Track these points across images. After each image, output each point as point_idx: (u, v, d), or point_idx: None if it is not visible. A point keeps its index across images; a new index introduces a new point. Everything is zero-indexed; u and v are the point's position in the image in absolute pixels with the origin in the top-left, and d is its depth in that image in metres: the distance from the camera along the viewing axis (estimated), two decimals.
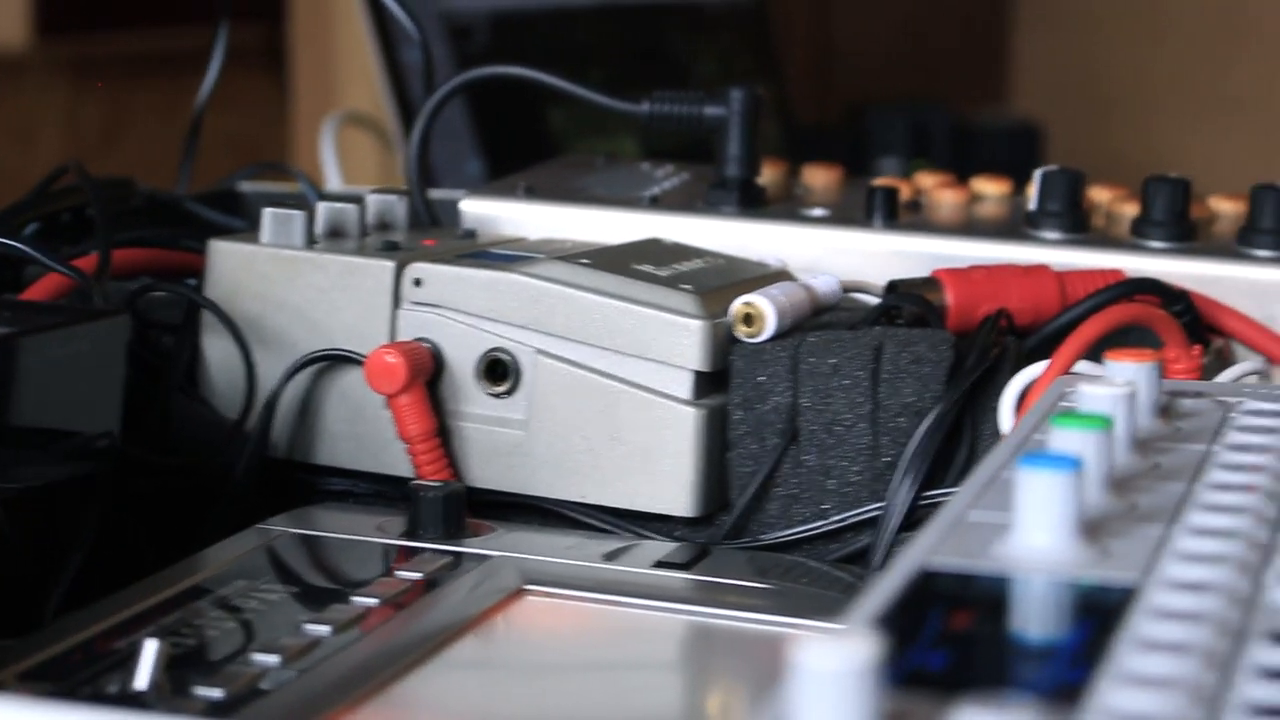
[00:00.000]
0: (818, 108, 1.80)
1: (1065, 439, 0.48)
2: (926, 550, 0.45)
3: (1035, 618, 0.43)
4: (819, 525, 0.66)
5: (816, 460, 0.66)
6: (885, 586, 0.43)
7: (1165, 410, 0.57)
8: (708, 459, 0.66)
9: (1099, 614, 0.42)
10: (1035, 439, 0.53)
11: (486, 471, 0.68)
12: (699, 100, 0.77)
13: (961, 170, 0.92)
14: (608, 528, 0.66)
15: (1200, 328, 0.70)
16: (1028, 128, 1.71)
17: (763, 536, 0.66)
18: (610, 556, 0.63)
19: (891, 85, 1.89)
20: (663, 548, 0.63)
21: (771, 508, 0.66)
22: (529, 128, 1.21)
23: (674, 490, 0.66)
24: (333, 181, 1.11)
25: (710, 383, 0.66)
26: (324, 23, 1.54)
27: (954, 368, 0.65)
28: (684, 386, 0.66)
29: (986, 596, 0.43)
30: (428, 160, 0.78)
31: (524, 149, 0.98)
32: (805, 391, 0.65)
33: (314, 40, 1.54)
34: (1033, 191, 0.75)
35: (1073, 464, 0.45)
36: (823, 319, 0.70)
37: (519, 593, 0.60)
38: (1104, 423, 0.48)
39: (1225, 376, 0.66)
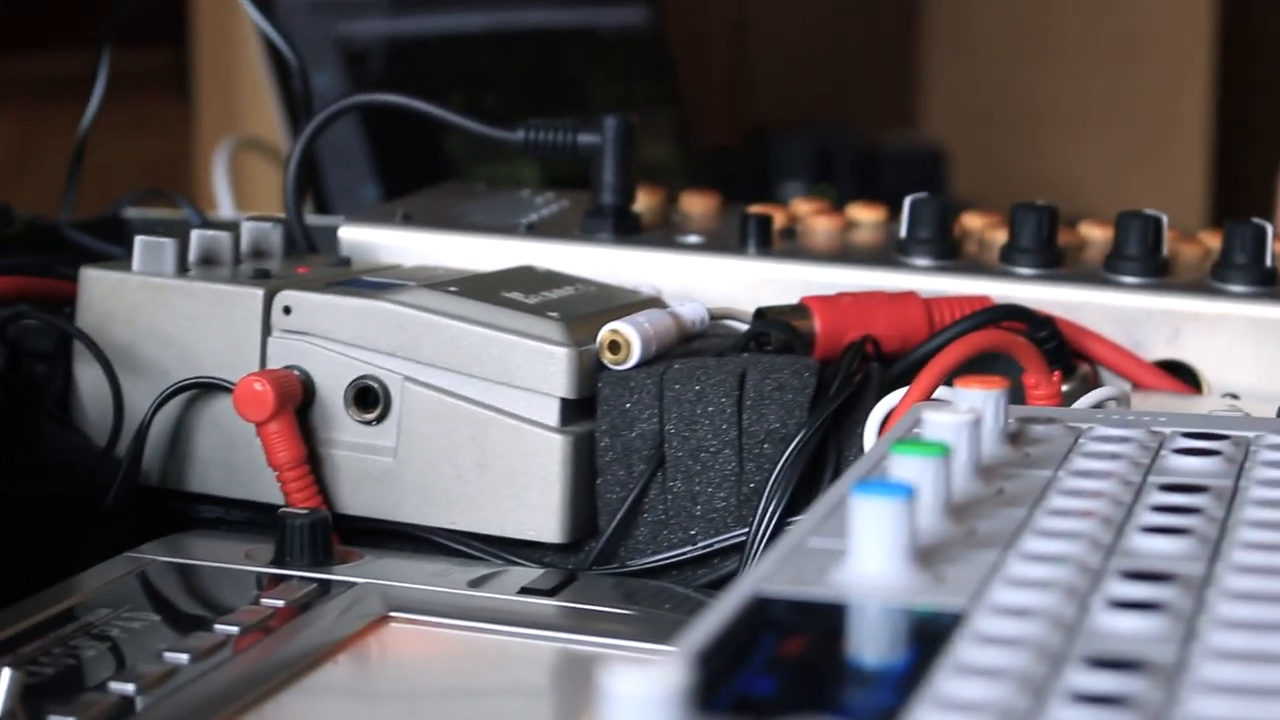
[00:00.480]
0: (736, 132, 1.81)
1: (903, 466, 0.49)
2: (762, 577, 0.46)
3: (864, 644, 0.43)
4: (686, 551, 0.66)
5: (683, 487, 0.66)
6: (718, 613, 0.44)
7: (1016, 436, 0.57)
8: (576, 485, 0.66)
9: (926, 640, 0.42)
10: (881, 466, 0.53)
11: (357, 499, 0.68)
12: (573, 128, 0.77)
13: (867, 194, 0.93)
14: (476, 554, 0.67)
15: (1066, 353, 0.71)
16: (933, 152, 1.72)
17: (631, 562, 0.67)
18: (476, 583, 0.63)
19: (808, 110, 1.90)
20: (528, 574, 0.64)
21: (640, 534, 0.67)
22: (427, 154, 1.21)
23: (542, 517, 0.66)
24: (225, 207, 1.11)
25: (578, 410, 0.67)
26: (228, 47, 1.54)
27: (818, 394, 0.66)
28: (551, 413, 0.66)
29: (818, 623, 0.44)
30: (305, 187, 0.78)
31: (421, 175, 0.99)
32: (671, 418, 0.66)
33: (218, 65, 1.54)
34: (903, 219, 0.76)
35: (905, 491, 0.45)
36: (692, 346, 0.70)
37: (382, 619, 0.60)
38: (942, 450, 0.49)
39: (1083, 402, 0.66)
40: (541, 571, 0.64)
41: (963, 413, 0.53)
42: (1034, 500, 0.51)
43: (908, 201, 0.76)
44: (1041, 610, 0.43)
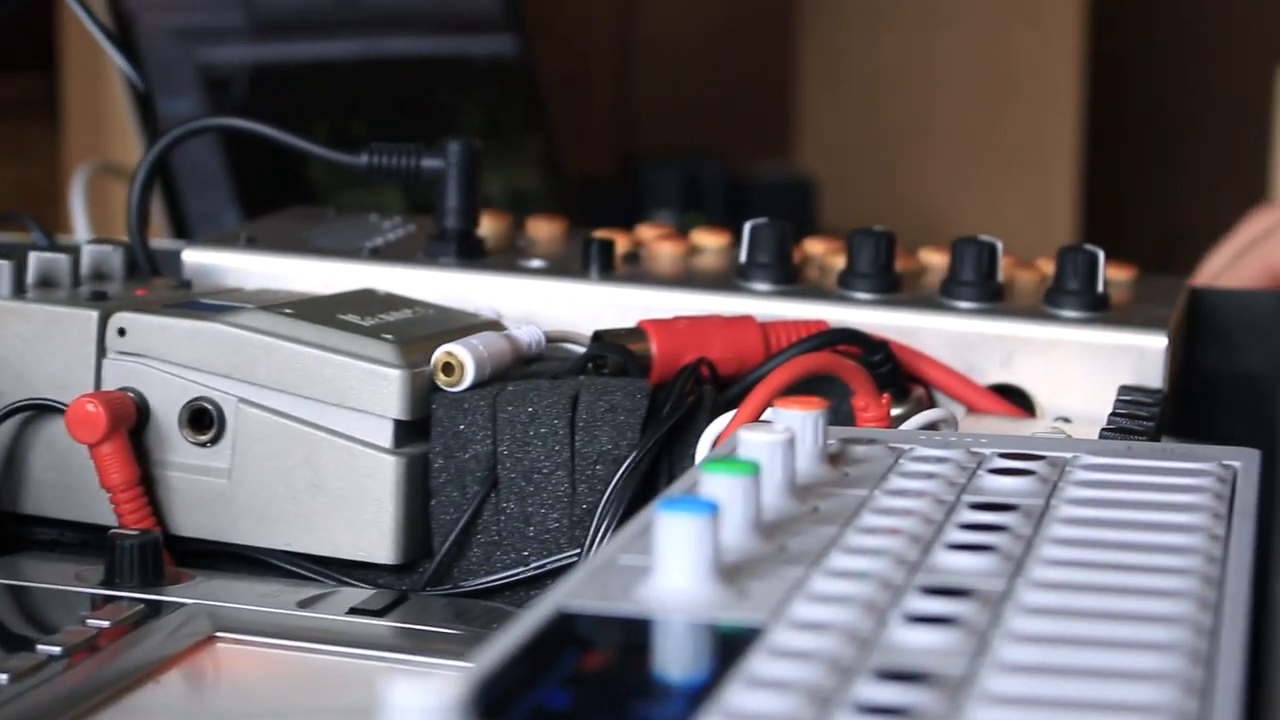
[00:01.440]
0: (610, 161, 1.82)
1: (713, 484, 0.49)
2: (568, 593, 0.46)
3: (664, 658, 0.44)
4: (519, 571, 0.67)
5: (516, 508, 0.67)
6: (521, 628, 0.44)
7: (837, 457, 0.58)
8: (409, 507, 0.67)
9: (724, 654, 0.43)
10: (695, 485, 0.54)
11: (191, 520, 0.68)
12: (416, 152, 0.78)
13: (736, 222, 0.93)
14: (309, 575, 0.67)
15: (900, 377, 0.72)
16: (802, 181, 1.74)
17: (464, 583, 0.67)
18: (305, 604, 0.63)
19: (686, 139, 1.91)
20: (359, 594, 0.64)
21: (473, 555, 0.67)
22: (289, 181, 1.21)
23: (375, 538, 0.66)
24: (80, 231, 1.11)
25: (412, 431, 0.67)
26: (95, 74, 1.53)
27: (650, 415, 0.66)
28: (385, 435, 0.66)
29: (620, 638, 0.44)
30: (148, 210, 0.78)
31: (283, 202, 0.99)
32: (504, 440, 0.66)
33: (85, 91, 1.53)
34: (743, 244, 0.77)
35: (709, 508, 0.46)
36: (530, 369, 0.71)
37: (209, 639, 0.60)
38: (752, 468, 0.49)
39: (911, 424, 0.67)
40: (372, 592, 0.64)
41: (778, 432, 0.53)
42: (847, 519, 0.52)
43: (747, 227, 0.77)
44: (838, 625, 0.44)
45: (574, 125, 1.85)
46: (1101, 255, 0.75)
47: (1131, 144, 2.08)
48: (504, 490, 0.67)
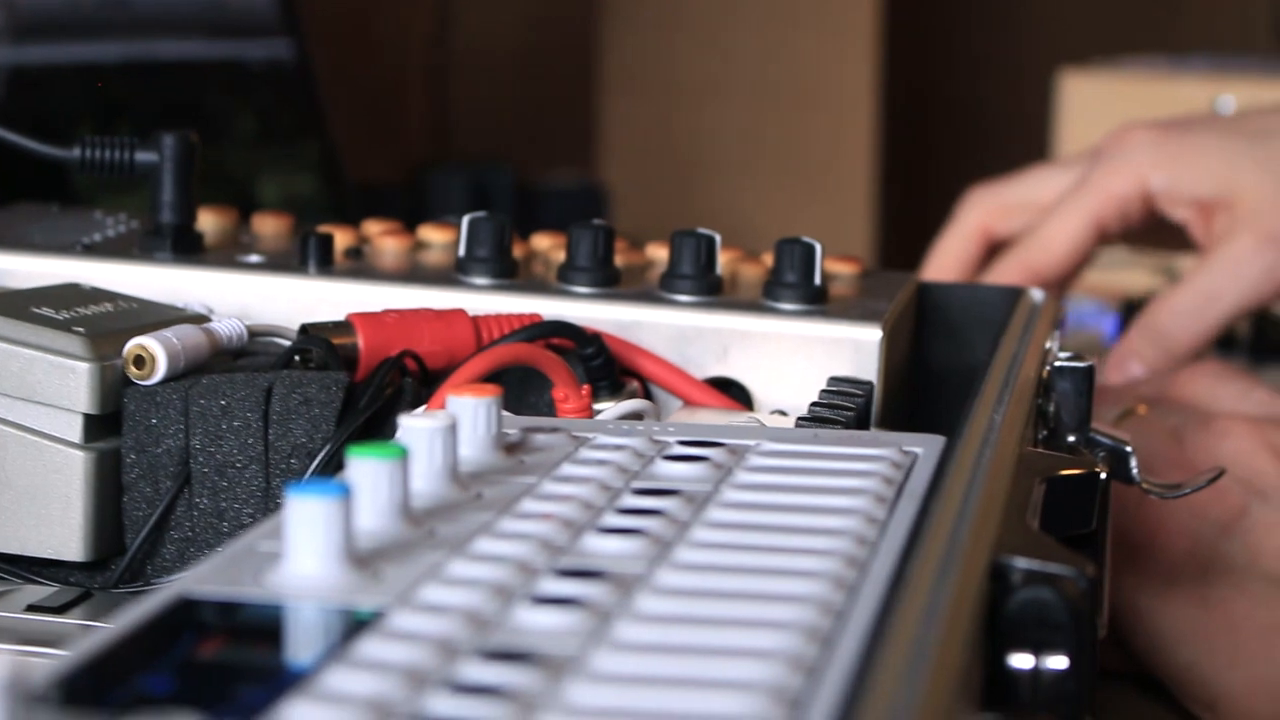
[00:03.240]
0: (400, 167, 1.81)
1: (358, 469, 0.48)
2: (195, 578, 0.45)
3: (280, 644, 0.43)
4: None
5: (210, 503, 0.65)
6: (138, 613, 0.43)
7: (516, 445, 0.57)
8: (99, 503, 0.65)
9: (339, 638, 0.42)
10: None
11: None
12: (130, 145, 0.76)
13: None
14: None
15: (614, 369, 0.72)
16: (592, 188, 1.73)
17: (157, 580, 0.66)
18: None
19: (485, 146, 1.91)
20: (41, 592, 0.63)
21: (167, 551, 0.66)
22: (48, 186, 1.19)
23: (64, 534, 0.65)
24: None
25: (103, 426, 0.66)
26: None
27: (347, 408, 0.65)
28: (74, 429, 0.65)
29: (240, 623, 0.43)
30: None
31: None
32: (197, 434, 0.65)
33: None
34: (461, 239, 0.76)
35: (340, 491, 0.45)
36: (237, 363, 0.69)
37: None
38: (398, 452, 0.49)
39: (608, 414, 0.67)
40: (54, 589, 0.63)
41: (438, 419, 0.52)
42: (506, 505, 0.51)
43: (465, 220, 0.76)
44: (460, 608, 0.43)
45: (385, 132, 1.84)
46: (819, 248, 0.74)
47: (926, 150, 2.10)
48: (197, 485, 0.65)
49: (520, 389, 0.71)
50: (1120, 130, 1.03)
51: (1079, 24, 2.27)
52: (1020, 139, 1.69)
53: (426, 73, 1.94)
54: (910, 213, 1.99)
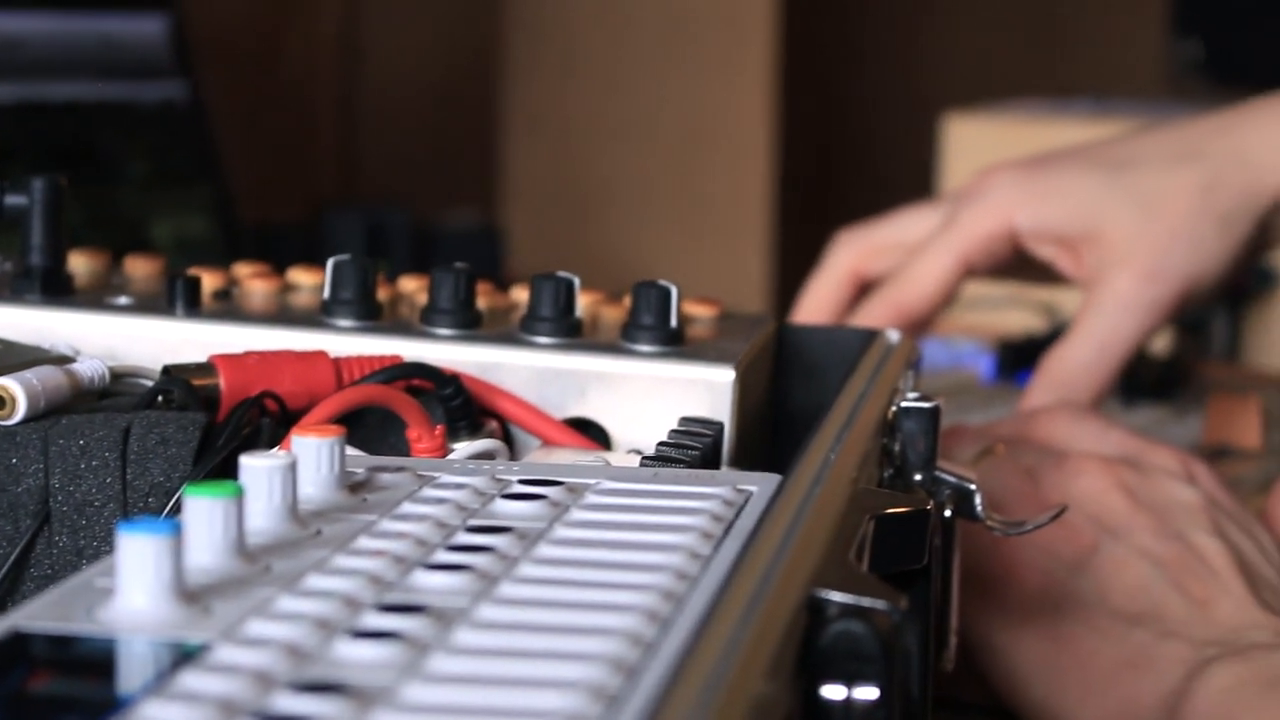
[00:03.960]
0: (300, 207, 1.82)
1: (194, 507, 0.50)
2: (28, 614, 0.47)
3: (105, 677, 0.44)
4: None
5: (69, 541, 0.67)
6: None
7: (361, 484, 0.59)
8: None
9: (161, 672, 0.43)
10: None
11: None
12: (0, 189, 0.77)
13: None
14: None
15: (472, 410, 0.73)
16: (489, 229, 1.75)
17: None
18: None
19: (387, 187, 1.92)
20: None
21: (27, 589, 0.67)
22: None
23: None
24: None
25: None
26: None
27: (204, 448, 0.67)
28: None
29: (69, 657, 0.45)
30: None
31: None
32: (56, 473, 0.66)
33: None
34: (326, 281, 0.78)
35: (170, 528, 0.46)
36: (99, 404, 0.71)
37: None
38: (234, 490, 0.50)
39: (459, 454, 0.68)
40: None
41: (278, 458, 0.54)
42: (343, 542, 0.53)
43: (330, 263, 0.78)
44: (281, 641, 0.44)
45: (291, 173, 1.85)
46: (675, 290, 0.76)
47: (823, 190, 2.12)
48: (57, 524, 0.67)
49: (381, 430, 0.72)
50: (985, 170, 1.06)
51: (973, 66, 2.31)
52: (915, 180, 1.72)
53: (335, 114, 1.95)
54: (807, 252, 2.01)
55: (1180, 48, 2.05)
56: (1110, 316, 0.99)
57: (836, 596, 0.50)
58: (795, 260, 2.01)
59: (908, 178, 1.71)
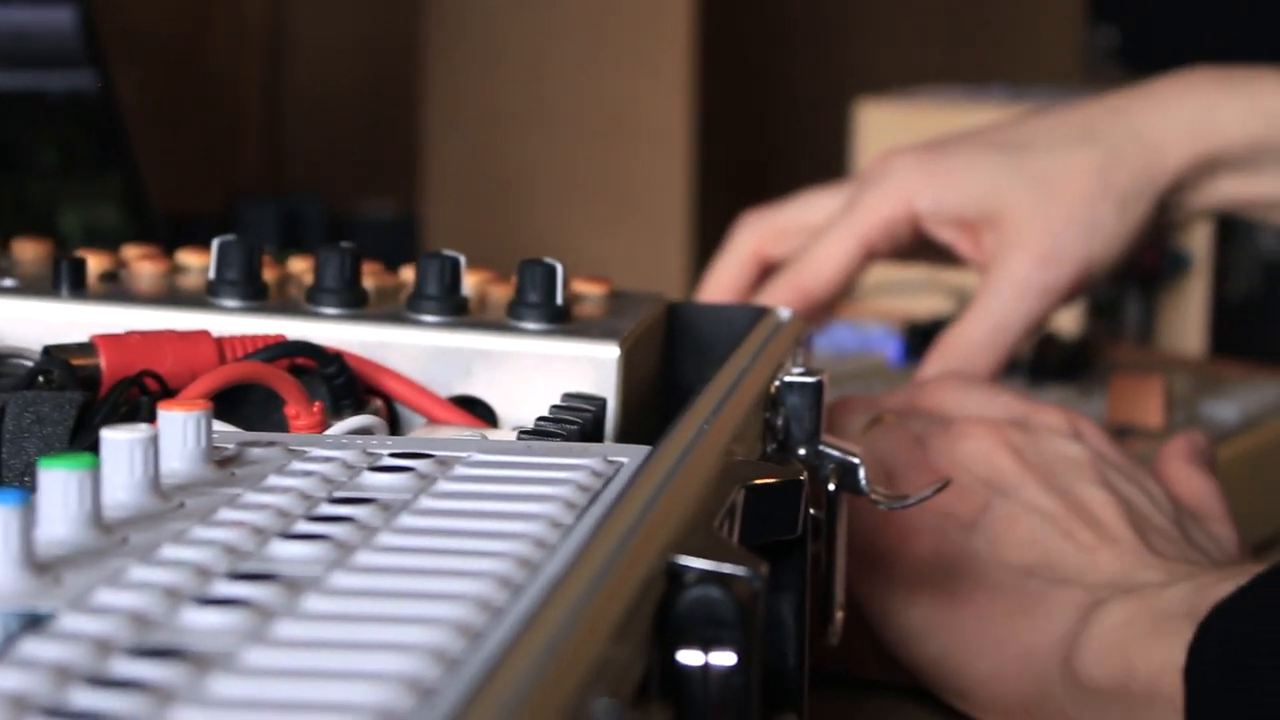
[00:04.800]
0: (217, 197, 1.81)
1: (47, 479, 0.50)
2: None
3: None
4: None
5: None
6: None
7: (231, 459, 0.59)
8: None
9: (7, 639, 0.43)
10: None
11: None
12: None
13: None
14: None
15: (356, 389, 0.73)
16: (405, 218, 1.75)
17: None
18: None
19: (328, 175, 1.92)
20: None
21: None
22: None
23: None
24: None
25: None
26: None
27: (81, 427, 0.66)
28: None
29: None
30: None
31: None
32: None
33: None
34: (211, 262, 0.77)
35: (19, 498, 0.46)
36: None
37: None
38: (89, 462, 0.50)
39: (336, 430, 0.68)
40: None
41: (139, 431, 0.54)
42: (205, 514, 0.53)
43: (215, 244, 0.78)
44: (126, 609, 0.44)
45: (215, 162, 1.85)
46: (560, 268, 0.76)
47: (741, 177, 2.13)
48: None
49: (265, 409, 0.72)
50: (885, 154, 1.06)
51: (894, 53, 2.31)
52: (837, 168, 1.72)
53: (259, 105, 1.95)
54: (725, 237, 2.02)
55: (1097, 35, 2.06)
56: (1004, 298, 1.00)
57: (695, 563, 0.51)
58: (716, 249, 2.01)
59: (830, 165, 1.71)
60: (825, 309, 1.06)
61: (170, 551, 0.49)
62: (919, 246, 1.07)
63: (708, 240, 2.00)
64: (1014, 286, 1.00)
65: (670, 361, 0.84)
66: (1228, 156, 1.02)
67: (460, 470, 0.58)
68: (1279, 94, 1.01)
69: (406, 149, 2.04)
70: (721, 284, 1.08)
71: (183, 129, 1.85)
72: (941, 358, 1.01)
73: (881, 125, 1.54)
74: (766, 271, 1.08)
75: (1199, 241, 1.57)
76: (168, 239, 1.44)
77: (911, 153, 1.04)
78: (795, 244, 1.07)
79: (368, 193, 1.93)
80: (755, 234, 1.08)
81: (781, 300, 1.03)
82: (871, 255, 1.05)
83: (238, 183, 1.90)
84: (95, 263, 0.80)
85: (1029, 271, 1.00)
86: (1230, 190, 1.04)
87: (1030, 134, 1.03)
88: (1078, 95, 1.55)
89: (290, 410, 0.68)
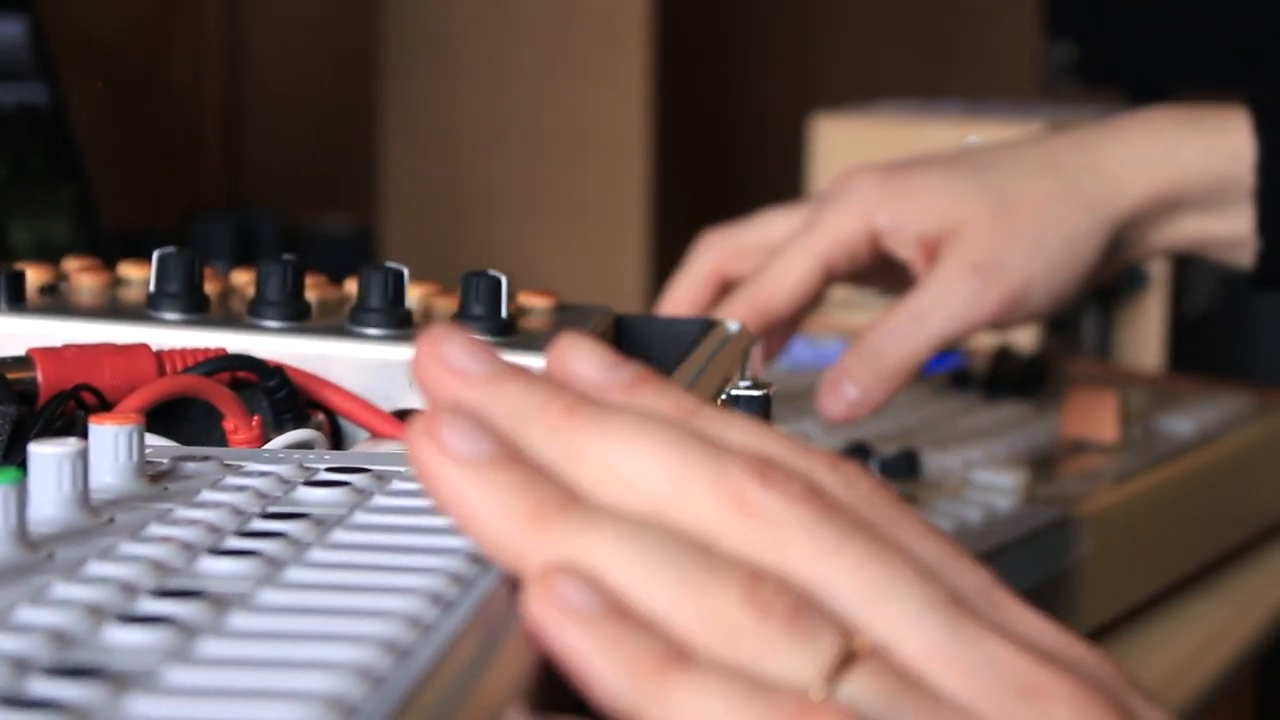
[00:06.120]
0: (170, 212, 1.81)
1: None
2: None
3: None
4: None
5: None
6: None
7: (164, 473, 0.58)
8: None
9: None
10: None
11: None
12: None
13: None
14: None
15: (298, 402, 0.72)
16: (361, 233, 1.74)
17: None
18: None
19: (287, 190, 1.91)
20: None
21: None
22: None
23: None
24: None
25: None
26: None
27: (15, 440, 0.65)
28: None
29: None
30: None
31: None
32: None
33: None
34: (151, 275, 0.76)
35: None
36: None
37: None
38: (14, 477, 0.49)
39: (276, 444, 0.67)
40: None
41: (67, 445, 0.53)
42: (135, 530, 0.52)
43: (155, 256, 0.77)
44: (46, 627, 0.43)
45: (172, 177, 1.84)
46: (505, 280, 0.76)
47: (701, 193, 2.13)
48: None
49: (206, 423, 0.71)
50: (846, 172, 1.05)
51: (852, 68, 2.31)
52: (796, 184, 1.72)
53: (216, 119, 1.94)
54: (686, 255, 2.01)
55: (1053, 50, 2.06)
56: (929, 295, 1.00)
57: None
58: (675, 264, 2.01)
59: (788, 178, 1.71)
60: (786, 327, 1.06)
61: (96, 568, 0.48)
62: (879, 268, 1.06)
63: (666, 253, 2.00)
64: (940, 284, 1.00)
65: None
66: (1189, 194, 1.02)
67: (397, 485, 0.57)
68: (1243, 134, 1.01)
69: (363, 164, 2.04)
70: (681, 301, 1.07)
71: (139, 143, 1.84)
72: (856, 346, 1.01)
73: (839, 139, 1.53)
74: (726, 290, 1.08)
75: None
76: (120, 254, 1.44)
77: (872, 171, 1.04)
78: (755, 262, 1.06)
79: (325, 207, 1.92)
80: (715, 252, 1.08)
81: (738, 317, 1.03)
82: (831, 273, 1.04)
83: (194, 198, 1.89)
84: (34, 275, 0.79)
85: (960, 274, 1.00)
86: (1191, 228, 1.03)
87: (994, 160, 1.03)
88: (1035, 109, 1.55)
89: (229, 424, 0.67)
